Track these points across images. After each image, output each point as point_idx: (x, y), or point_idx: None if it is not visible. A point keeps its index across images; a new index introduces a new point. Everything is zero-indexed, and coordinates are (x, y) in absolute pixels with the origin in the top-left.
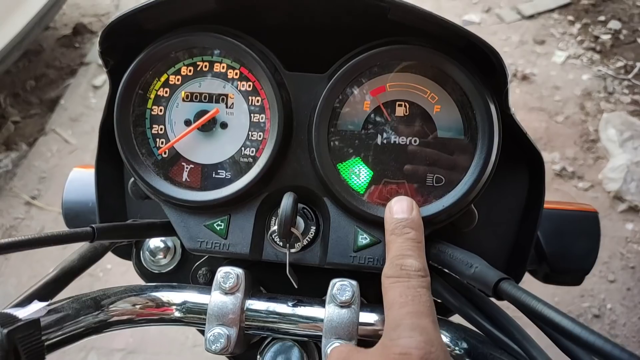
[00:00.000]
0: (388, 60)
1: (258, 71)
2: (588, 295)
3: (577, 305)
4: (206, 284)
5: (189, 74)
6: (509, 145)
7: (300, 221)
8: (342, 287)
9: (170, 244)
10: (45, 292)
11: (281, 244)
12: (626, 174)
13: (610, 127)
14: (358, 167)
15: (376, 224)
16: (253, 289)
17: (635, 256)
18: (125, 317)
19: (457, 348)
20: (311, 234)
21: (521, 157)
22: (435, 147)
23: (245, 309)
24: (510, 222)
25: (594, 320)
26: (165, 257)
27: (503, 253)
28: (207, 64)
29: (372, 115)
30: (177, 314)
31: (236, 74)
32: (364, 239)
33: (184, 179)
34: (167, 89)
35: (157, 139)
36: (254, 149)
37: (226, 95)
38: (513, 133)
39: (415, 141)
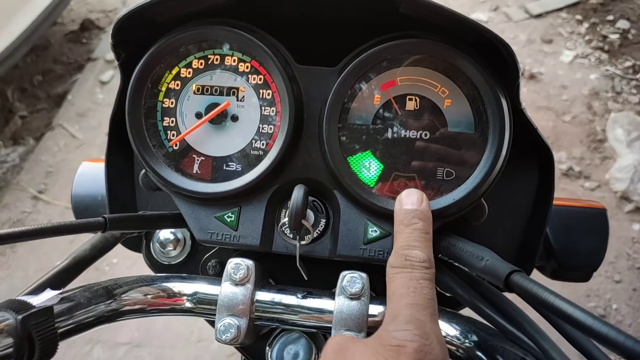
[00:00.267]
0: (399, 54)
1: (269, 64)
2: (594, 295)
3: (582, 305)
4: (216, 276)
5: (200, 67)
6: (519, 141)
7: (310, 214)
8: (352, 280)
9: (180, 235)
10: (58, 280)
11: (291, 236)
12: (633, 174)
13: (618, 127)
14: (368, 160)
15: (386, 217)
16: (263, 281)
17: None
18: (137, 307)
19: (467, 341)
20: (321, 226)
21: (531, 153)
22: (446, 141)
23: (255, 300)
24: (520, 217)
25: None
26: (175, 248)
27: (512, 248)
28: (218, 57)
29: (382, 109)
30: (188, 305)
31: (247, 67)
32: (373, 231)
33: (194, 171)
34: (179, 82)
35: (168, 131)
36: (264, 142)
37: (237, 89)
38: (523, 128)
39: (425, 135)
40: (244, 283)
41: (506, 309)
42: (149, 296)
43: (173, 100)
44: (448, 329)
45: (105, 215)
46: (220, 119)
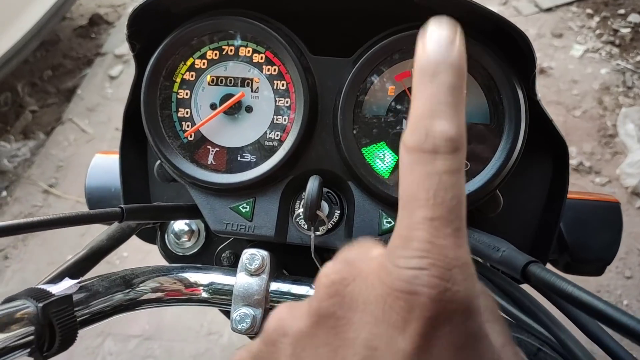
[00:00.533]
0: (414, 44)
1: (284, 55)
2: (604, 291)
3: None
4: (230, 266)
5: (214, 58)
6: (533, 132)
7: (324, 204)
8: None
9: (194, 227)
10: (76, 270)
11: (306, 227)
12: None
13: (629, 122)
14: (383, 151)
15: None
16: (277, 271)
17: None
18: (154, 296)
19: None
20: (335, 217)
21: (545, 145)
22: None
23: (270, 290)
24: (534, 209)
25: None
26: (189, 239)
27: (526, 240)
28: (232, 48)
29: (397, 100)
30: (204, 295)
31: (261, 58)
32: (388, 222)
33: (209, 162)
34: (193, 73)
35: (183, 122)
36: (279, 133)
37: (251, 80)
38: (538, 119)
39: None
40: (259, 273)
41: (522, 299)
42: (166, 286)
43: (188, 91)
44: None
45: (122, 206)
46: (235, 110)
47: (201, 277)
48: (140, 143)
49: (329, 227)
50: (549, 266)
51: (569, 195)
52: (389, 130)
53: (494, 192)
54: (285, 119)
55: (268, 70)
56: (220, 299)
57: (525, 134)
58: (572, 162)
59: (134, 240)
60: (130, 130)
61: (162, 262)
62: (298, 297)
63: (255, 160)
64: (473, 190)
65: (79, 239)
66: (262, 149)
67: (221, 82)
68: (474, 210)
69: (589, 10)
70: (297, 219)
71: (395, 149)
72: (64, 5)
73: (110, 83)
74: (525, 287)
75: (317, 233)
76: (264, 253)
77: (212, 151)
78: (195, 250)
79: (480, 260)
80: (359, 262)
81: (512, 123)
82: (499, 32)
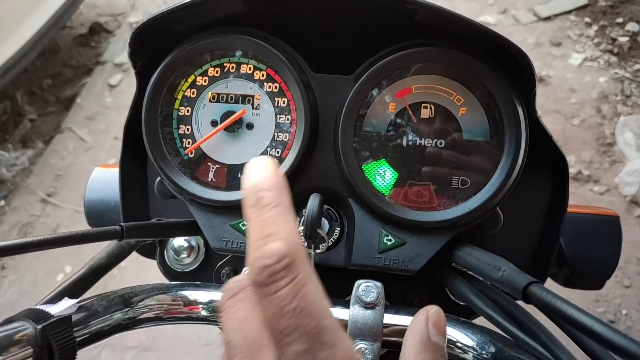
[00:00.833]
0: (415, 62)
1: (285, 72)
2: (603, 301)
3: (592, 310)
4: None
5: (215, 75)
6: (533, 148)
7: (324, 222)
8: (367, 289)
9: (194, 243)
10: (75, 289)
11: (306, 244)
12: None
13: (627, 131)
14: (383, 168)
15: (401, 226)
16: None
17: None
18: (153, 315)
19: (484, 352)
20: (336, 234)
21: (545, 160)
22: (461, 149)
23: None
24: (534, 225)
25: None
26: (189, 256)
27: (526, 256)
28: (233, 65)
29: (397, 117)
30: (203, 313)
31: (262, 75)
32: (388, 240)
33: (209, 179)
34: (194, 90)
35: (184, 139)
36: (279, 150)
37: (252, 96)
38: (537, 135)
39: (440, 143)
40: None
41: (522, 319)
42: (165, 304)
43: (189, 108)
44: (464, 339)
45: (121, 224)
46: (236, 127)
47: (200, 295)
48: (141, 158)
49: (329, 244)
50: (548, 281)
51: (568, 209)
52: (390, 147)
53: (495, 209)
54: (286, 136)
55: (269, 87)
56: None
57: (525, 152)
58: (571, 170)
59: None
60: (130, 146)
61: (160, 274)
62: None
63: None
64: (473, 208)
65: (76, 249)
66: None
67: (222, 99)
68: (474, 228)
69: (588, 19)
70: None
71: (395, 165)
72: (64, 14)
73: (109, 92)
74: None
75: (318, 251)
76: None
77: (213, 168)
78: (195, 266)
79: (480, 278)
80: None
81: (513, 141)
82: (499, 50)
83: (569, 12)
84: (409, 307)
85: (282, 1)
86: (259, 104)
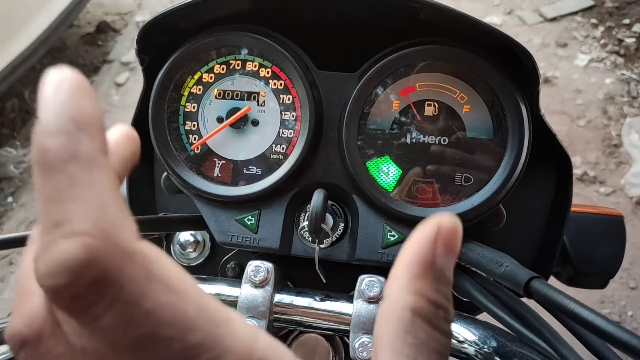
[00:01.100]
0: (419, 60)
1: (290, 70)
2: (608, 302)
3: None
4: (235, 278)
5: (221, 72)
6: (536, 146)
7: (329, 217)
8: (370, 283)
9: (199, 237)
10: None
11: (310, 239)
12: None
13: (633, 132)
14: (387, 165)
15: (404, 222)
16: (281, 283)
17: None
18: None
19: (485, 346)
20: (340, 230)
21: (549, 159)
22: (464, 146)
23: (274, 302)
24: (537, 223)
25: None
26: (194, 250)
27: (529, 254)
28: (239, 62)
29: (401, 115)
30: None
31: (268, 72)
32: (392, 235)
33: (215, 174)
34: (201, 87)
35: (190, 135)
36: (284, 146)
37: (257, 93)
38: (541, 134)
39: (444, 140)
40: (263, 285)
41: (524, 314)
42: None
43: (195, 105)
44: (466, 334)
45: None
46: (241, 124)
47: (206, 289)
48: (147, 154)
49: (333, 239)
50: (551, 279)
51: (572, 208)
52: (394, 144)
53: (498, 206)
54: (290, 133)
55: (274, 84)
56: None
57: (528, 149)
58: (577, 171)
59: None
60: None
61: None
62: (302, 309)
63: (260, 173)
64: (476, 205)
65: None
66: (268, 162)
67: (228, 95)
68: (477, 224)
69: (594, 20)
70: (302, 232)
71: (399, 162)
72: (71, 13)
73: (116, 90)
74: (528, 299)
75: (322, 246)
76: (269, 265)
77: (218, 164)
78: (200, 261)
79: (483, 274)
80: None
81: (516, 138)
82: (502, 48)
83: (575, 13)
84: None
85: None
86: (264, 101)
